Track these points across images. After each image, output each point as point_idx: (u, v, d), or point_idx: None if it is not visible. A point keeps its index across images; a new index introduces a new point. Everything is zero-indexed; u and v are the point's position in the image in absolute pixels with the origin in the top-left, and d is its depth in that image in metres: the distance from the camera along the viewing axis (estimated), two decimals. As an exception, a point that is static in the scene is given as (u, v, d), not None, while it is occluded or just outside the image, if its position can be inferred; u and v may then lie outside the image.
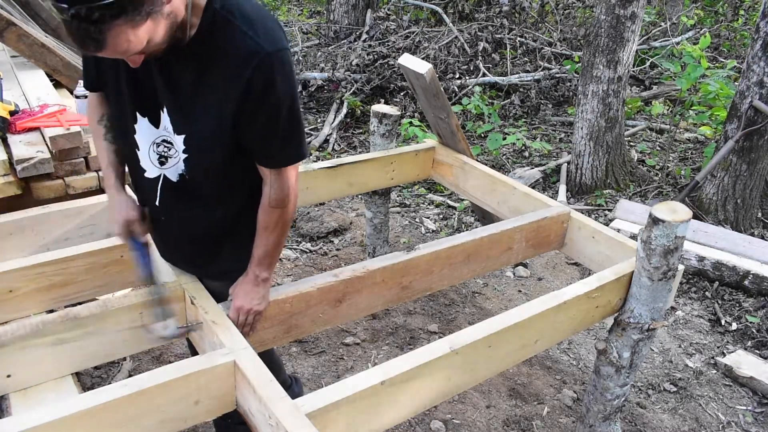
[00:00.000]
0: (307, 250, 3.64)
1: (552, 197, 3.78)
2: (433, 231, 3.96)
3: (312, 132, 5.31)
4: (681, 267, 2.13)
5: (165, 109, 1.44)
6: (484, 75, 5.83)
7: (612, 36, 4.07)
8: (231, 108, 1.38)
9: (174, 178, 1.52)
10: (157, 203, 1.58)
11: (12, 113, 2.46)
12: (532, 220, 2.33)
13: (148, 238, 1.67)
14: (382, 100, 5.59)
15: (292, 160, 1.51)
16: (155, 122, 1.47)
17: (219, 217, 1.61)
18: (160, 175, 1.54)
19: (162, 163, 1.52)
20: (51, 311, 1.74)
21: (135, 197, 1.67)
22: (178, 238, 1.66)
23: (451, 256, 2.13)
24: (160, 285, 1.67)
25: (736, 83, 4.21)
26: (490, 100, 5.74)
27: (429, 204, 4.33)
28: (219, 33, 1.34)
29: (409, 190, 4.51)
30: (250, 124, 1.41)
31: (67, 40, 1.15)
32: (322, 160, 2.73)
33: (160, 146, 1.50)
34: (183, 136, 1.45)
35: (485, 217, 3.40)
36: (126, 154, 1.59)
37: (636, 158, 4.89)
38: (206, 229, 1.62)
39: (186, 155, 1.46)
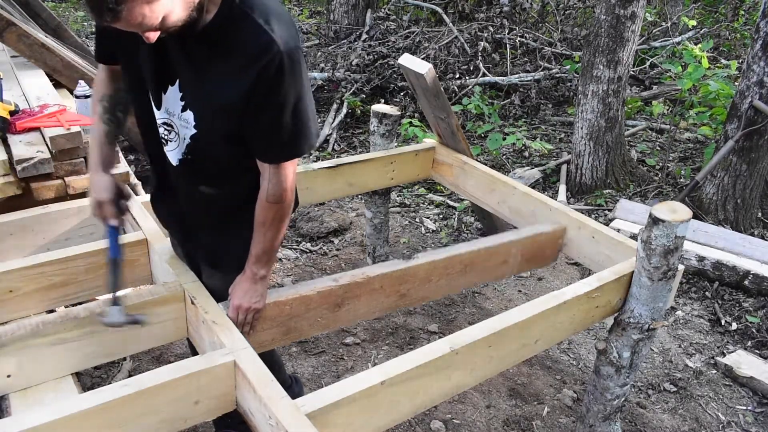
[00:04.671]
0: (307, 250, 3.64)
1: (552, 197, 3.78)
2: (433, 231, 3.95)
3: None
4: (681, 267, 2.13)
5: (169, 90, 1.47)
6: (484, 75, 5.82)
7: (612, 36, 4.07)
8: (240, 97, 1.40)
9: (174, 161, 1.56)
10: (168, 177, 1.64)
11: (12, 113, 2.46)
12: (527, 235, 2.35)
13: (119, 222, 1.67)
14: (382, 100, 5.58)
15: (291, 156, 1.53)
16: (158, 104, 1.51)
17: (220, 207, 1.64)
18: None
19: (163, 146, 1.56)
20: (51, 311, 1.74)
21: (110, 180, 1.64)
22: (185, 214, 1.70)
23: (449, 266, 2.14)
24: (120, 269, 1.65)
25: (736, 83, 4.21)
26: (490, 100, 5.74)
27: (429, 204, 4.32)
28: (235, 24, 1.36)
29: (409, 190, 4.51)
30: (255, 117, 1.43)
31: (84, 9, 1.18)
32: (322, 160, 2.73)
33: (161, 128, 1.54)
34: (192, 113, 1.47)
35: (485, 217, 3.41)
36: (144, 129, 1.61)
37: (636, 158, 4.89)
38: (207, 213, 1.66)
39: (195, 131, 1.49)
